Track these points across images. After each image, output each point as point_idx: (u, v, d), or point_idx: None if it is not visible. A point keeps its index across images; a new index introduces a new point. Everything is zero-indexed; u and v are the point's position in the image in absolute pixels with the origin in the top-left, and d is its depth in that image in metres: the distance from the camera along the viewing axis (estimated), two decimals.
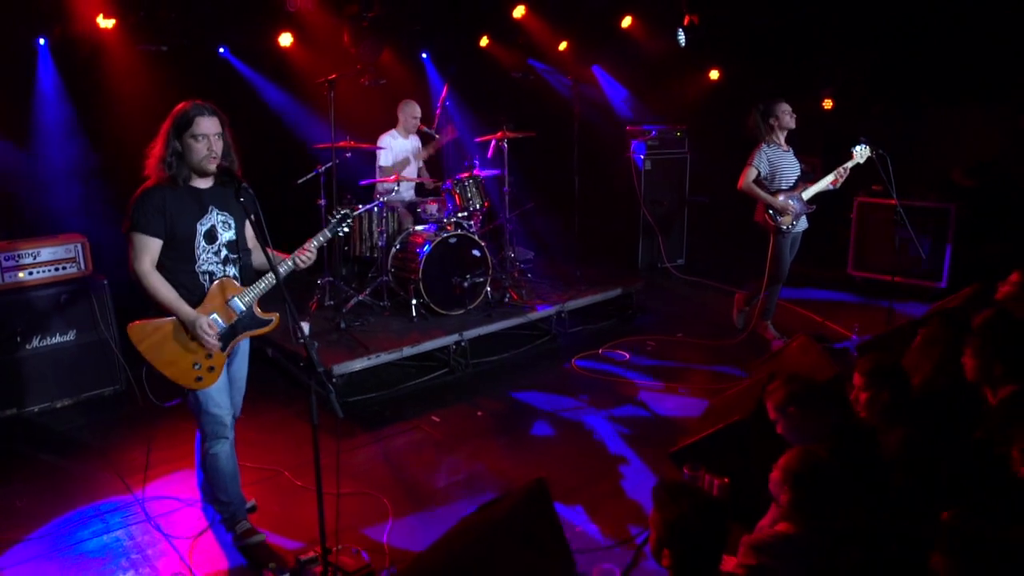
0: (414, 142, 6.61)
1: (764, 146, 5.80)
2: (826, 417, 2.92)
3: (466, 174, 6.14)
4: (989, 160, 7.71)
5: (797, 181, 5.83)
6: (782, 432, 3.04)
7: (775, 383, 3.09)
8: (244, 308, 3.21)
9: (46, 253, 4.92)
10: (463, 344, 5.56)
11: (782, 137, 5.85)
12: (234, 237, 3.27)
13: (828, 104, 9.10)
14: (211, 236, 3.19)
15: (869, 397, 3.10)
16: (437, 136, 6.75)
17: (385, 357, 5.16)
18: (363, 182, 6.10)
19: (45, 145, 6.14)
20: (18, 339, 4.79)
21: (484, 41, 8.23)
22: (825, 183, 5.85)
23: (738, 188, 5.81)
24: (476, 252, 5.90)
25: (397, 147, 6.46)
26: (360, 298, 5.88)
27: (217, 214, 3.20)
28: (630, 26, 7.77)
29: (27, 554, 3.45)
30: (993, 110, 7.68)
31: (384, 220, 5.97)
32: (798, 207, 5.76)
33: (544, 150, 8.20)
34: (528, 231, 8.34)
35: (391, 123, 6.57)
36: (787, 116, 5.79)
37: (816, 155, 8.88)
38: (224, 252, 3.23)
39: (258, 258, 3.42)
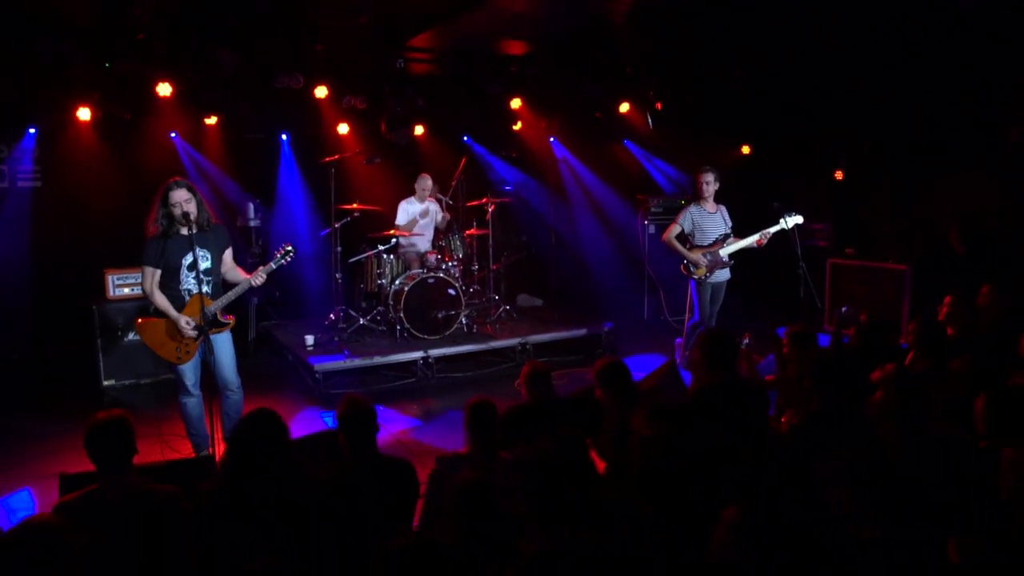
0: (427, 206, 8.36)
1: (692, 207, 6.93)
2: (540, 393, 4.17)
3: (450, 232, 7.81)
4: (980, 222, 8.12)
5: (717, 239, 6.87)
6: (524, 397, 4.31)
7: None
8: (210, 315, 4.82)
9: None
10: (429, 360, 7.10)
11: (709, 198, 6.93)
12: (210, 266, 4.89)
13: (839, 175, 9.88)
14: (192, 266, 4.76)
15: (601, 395, 4.29)
16: (451, 202, 8.48)
17: (358, 362, 6.84)
18: (370, 235, 7.95)
19: None
20: (119, 333, 7.02)
21: (518, 125, 9.99)
22: (748, 242, 6.84)
23: (662, 239, 6.96)
24: (451, 291, 7.47)
25: (411, 210, 8.22)
26: (362, 322, 7.64)
27: (199, 251, 4.79)
28: (628, 111, 9.18)
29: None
30: (978, 172, 8.12)
31: (388, 264, 7.74)
32: (710, 261, 6.78)
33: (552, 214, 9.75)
34: (544, 283, 9.79)
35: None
36: (707, 178, 6.90)
37: (827, 220, 9.70)
38: (201, 276, 4.78)
39: (232, 276, 5.03)
